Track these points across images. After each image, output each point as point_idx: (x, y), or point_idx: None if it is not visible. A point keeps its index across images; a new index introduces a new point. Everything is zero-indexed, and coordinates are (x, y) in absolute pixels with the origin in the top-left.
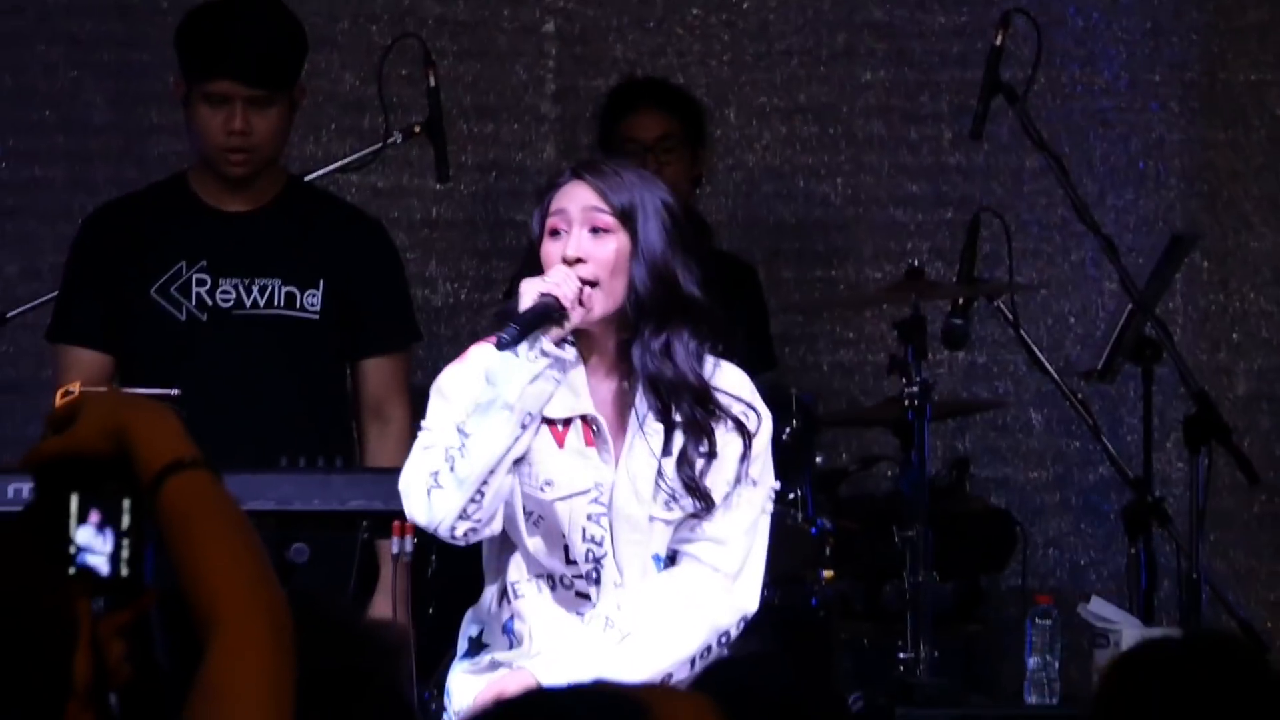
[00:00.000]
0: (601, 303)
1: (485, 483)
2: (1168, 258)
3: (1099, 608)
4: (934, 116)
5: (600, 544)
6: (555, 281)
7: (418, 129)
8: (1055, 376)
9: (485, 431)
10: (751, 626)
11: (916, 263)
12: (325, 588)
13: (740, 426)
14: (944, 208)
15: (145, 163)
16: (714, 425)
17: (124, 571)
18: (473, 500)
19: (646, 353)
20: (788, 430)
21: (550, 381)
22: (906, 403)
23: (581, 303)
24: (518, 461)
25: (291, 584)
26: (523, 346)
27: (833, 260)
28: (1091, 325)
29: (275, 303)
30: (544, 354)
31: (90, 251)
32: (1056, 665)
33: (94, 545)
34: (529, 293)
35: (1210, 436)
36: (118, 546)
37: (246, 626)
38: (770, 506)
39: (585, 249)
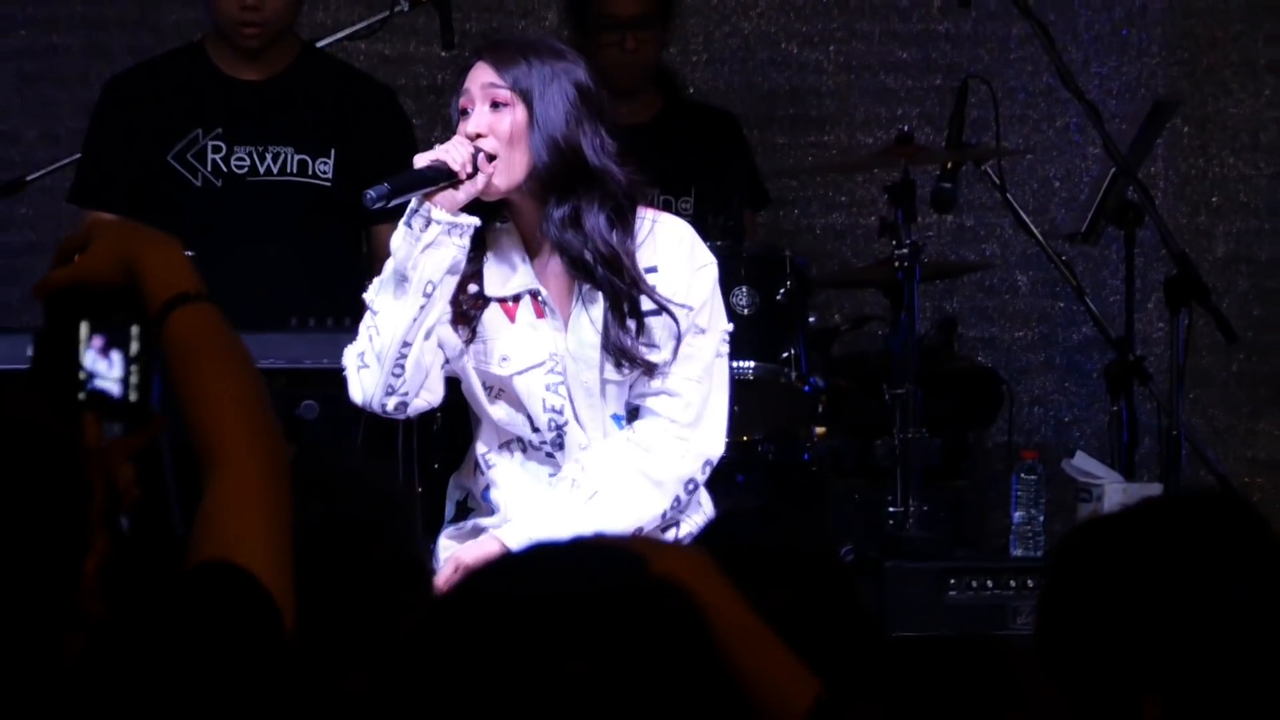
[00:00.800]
0: (502, 173)
1: (402, 355)
2: (1149, 123)
3: (1082, 463)
4: None
5: (560, 412)
6: (444, 148)
7: None
8: (1040, 239)
9: (389, 305)
10: (746, 480)
11: (906, 128)
12: (334, 443)
13: (669, 295)
14: (933, 74)
15: (160, 30)
16: (639, 289)
17: (133, 397)
18: (393, 374)
19: (552, 223)
20: (782, 291)
21: (450, 248)
22: (896, 264)
23: (478, 169)
24: (470, 341)
25: (302, 440)
26: (416, 219)
27: (825, 126)
28: (1075, 189)
29: (288, 169)
30: (434, 221)
31: (110, 118)
32: (1041, 519)
33: (103, 371)
34: (419, 161)
35: (1190, 297)
36: (127, 372)
37: (246, 463)
38: (725, 349)
39: (485, 123)
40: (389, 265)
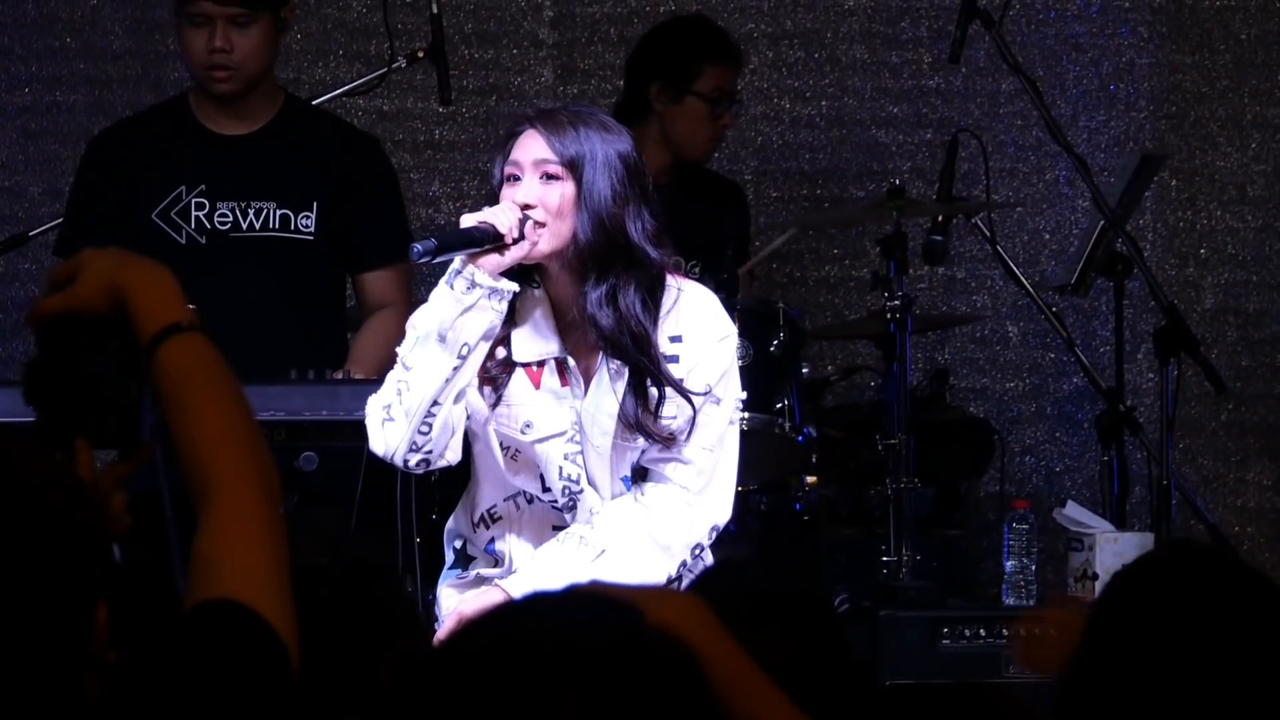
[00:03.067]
0: (547, 240)
1: (430, 414)
2: (1137, 176)
3: (1073, 512)
4: (914, 41)
5: (576, 481)
6: (493, 212)
7: (421, 54)
8: (1031, 290)
9: (423, 362)
10: (740, 531)
11: (898, 182)
12: (333, 494)
13: (692, 365)
14: (924, 129)
15: (161, 87)
16: (662, 366)
17: (123, 425)
18: (419, 432)
19: (589, 300)
20: (775, 343)
21: (489, 313)
22: (888, 316)
23: (524, 235)
24: (495, 404)
25: (301, 491)
26: (459, 280)
27: (818, 179)
28: (1065, 241)
29: (270, 225)
30: (476, 285)
31: (95, 173)
32: (1033, 568)
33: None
34: (466, 221)
35: (1179, 348)
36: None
37: (240, 489)
38: (738, 417)
39: (536, 195)
40: (426, 324)
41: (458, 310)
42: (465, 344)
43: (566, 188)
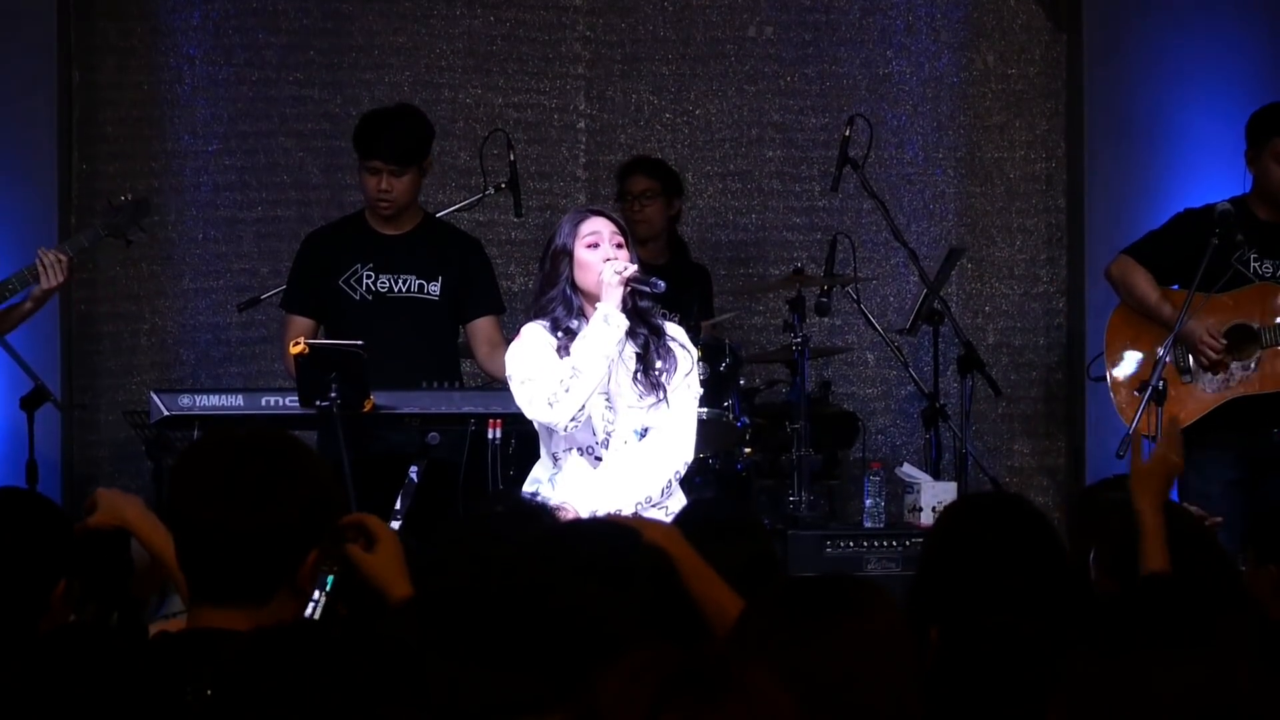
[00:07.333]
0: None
1: (590, 396)
2: (947, 262)
3: (907, 470)
4: (809, 178)
5: (613, 423)
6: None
7: (503, 185)
8: (881, 333)
9: (591, 369)
10: (702, 481)
11: (800, 265)
12: (448, 459)
13: (680, 355)
14: (816, 232)
15: (343, 208)
16: (665, 352)
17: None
18: (581, 409)
19: (637, 310)
20: (724, 364)
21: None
22: (794, 348)
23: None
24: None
25: (428, 456)
26: (620, 318)
27: (751, 263)
28: (903, 302)
29: (412, 290)
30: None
31: (305, 257)
32: (883, 504)
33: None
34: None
35: (973, 368)
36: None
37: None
38: (697, 407)
39: (616, 254)
40: (593, 347)
41: (617, 339)
42: (610, 358)
43: (629, 251)
